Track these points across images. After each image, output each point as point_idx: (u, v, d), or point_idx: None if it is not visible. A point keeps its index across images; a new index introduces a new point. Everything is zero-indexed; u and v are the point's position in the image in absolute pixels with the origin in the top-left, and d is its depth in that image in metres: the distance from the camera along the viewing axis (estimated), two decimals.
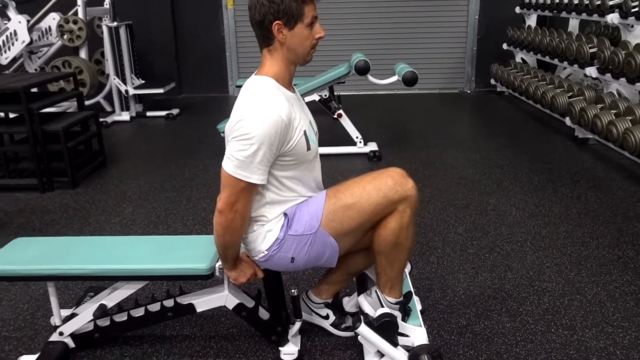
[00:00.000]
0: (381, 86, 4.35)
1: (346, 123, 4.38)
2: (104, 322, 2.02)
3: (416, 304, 2.23)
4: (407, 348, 1.81)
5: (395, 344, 1.78)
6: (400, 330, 1.84)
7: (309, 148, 1.70)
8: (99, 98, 6.27)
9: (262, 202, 1.72)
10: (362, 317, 1.78)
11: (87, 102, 6.28)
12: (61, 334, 2.01)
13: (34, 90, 4.24)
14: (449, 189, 3.67)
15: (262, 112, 1.56)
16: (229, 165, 1.59)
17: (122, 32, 5.82)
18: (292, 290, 1.95)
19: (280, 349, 2.01)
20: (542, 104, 5.30)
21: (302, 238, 1.72)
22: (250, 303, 1.99)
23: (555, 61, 5.38)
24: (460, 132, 5.17)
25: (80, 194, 3.75)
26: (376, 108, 6.41)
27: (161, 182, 3.93)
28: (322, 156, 4.45)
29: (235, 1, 6.92)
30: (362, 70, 4.02)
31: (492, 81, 6.88)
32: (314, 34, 1.68)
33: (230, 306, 1.96)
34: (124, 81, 5.88)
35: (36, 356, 1.96)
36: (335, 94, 5.83)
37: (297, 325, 2.02)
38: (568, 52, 4.98)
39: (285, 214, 1.74)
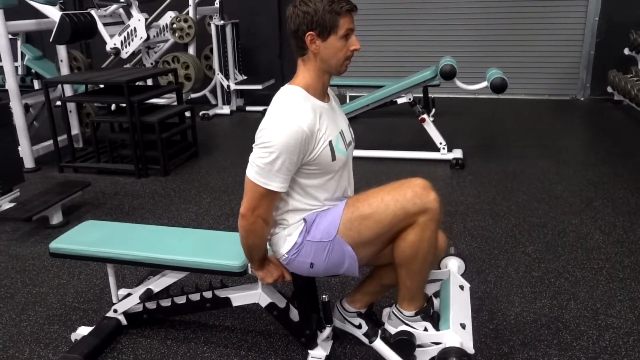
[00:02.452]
0: (474, 91, 4.18)
1: (430, 128, 4.28)
2: (151, 305, 2.18)
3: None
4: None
5: None
6: (432, 340, 1.78)
7: (334, 158, 1.71)
8: (206, 91, 6.69)
9: (286, 208, 1.76)
10: (380, 331, 1.76)
11: (194, 95, 6.75)
12: (115, 311, 2.22)
13: (142, 83, 4.64)
14: (528, 205, 3.45)
15: (283, 122, 1.60)
16: (251, 171, 1.65)
17: (229, 30, 6.15)
18: (323, 296, 1.97)
19: (309, 351, 2.04)
20: None
21: (319, 245, 1.74)
22: (282, 303, 2.04)
23: None
24: (559, 142, 4.81)
25: (169, 181, 4.05)
26: (475, 113, 6.17)
27: (244, 175, 4.12)
28: (403, 160, 4.42)
29: None
30: (448, 75, 3.90)
31: (609, 89, 6.31)
32: (349, 46, 1.68)
33: (263, 304, 2.03)
34: (227, 77, 6.22)
35: (92, 328, 2.17)
36: (431, 96, 5.72)
37: (327, 330, 2.04)
38: None
39: (305, 220, 1.76)
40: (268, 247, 1.85)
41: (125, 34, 5.96)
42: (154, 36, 6.40)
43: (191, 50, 6.06)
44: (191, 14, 5.91)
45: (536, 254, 2.83)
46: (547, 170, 4.08)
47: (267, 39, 7.27)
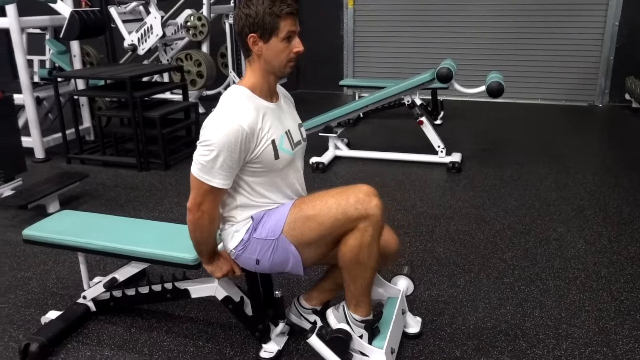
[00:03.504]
0: (472, 95, 4.15)
1: (428, 131, 4.27)
2: (118, 294, 2.27)
3: (414, 325, 2.18)
4: None
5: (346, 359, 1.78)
6: (361, 350, 1.82)
7: (277, 157, 1.75)
8: (221, 89, 6.81)
9: (234, 204, 1.82)
10: (315, 328, 1.79)
11: (209, 92, 6.88)
12: (84, 297, 2.32)
13: (158, 79, 4.76)
14: (517, 211, 3.42)
15: (224, 120, 1.65)
16: (194, 168, 1.71)
17: None
18: (276, 292, 2.03)
19: (263, 345, 2.09)
20: None
21: (265, 242, 1.78)
22: (237, 297, 2.10)
23: None
24: (566, 149, 4.73)
25: (168, 176, 4.17)
26: (485, 116, 6.10)
27: None
28: (400, 162, 4.41)
29: (356, 1, 7.02)
30: (444, 78, 3.88)
31: (627, 96, 6.15)
32: (292, 48, 1.72)
33: (219, 297, 2.09)
34: (240, 74, 6.32)
35: (61, 313, 2.28)
36: (440, 99, 5.70)
37: (280, 326, 2.10)
38: None
39: (252, 218, 1.81)
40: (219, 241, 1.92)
41: (142, 30, 6.12)
42: (172, 34, 6.56)
43: (205, 48, 6.18)
44: (205, 13, 6.03)
45: (512, 260, 2.81)
46: (545, 177, 4.02)
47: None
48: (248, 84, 1.76)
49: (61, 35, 4.44)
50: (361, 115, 5.78)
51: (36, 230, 2.23)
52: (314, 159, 4.27)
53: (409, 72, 6.78)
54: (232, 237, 1.83)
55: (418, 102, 5.51)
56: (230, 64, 6.30)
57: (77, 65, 4.90)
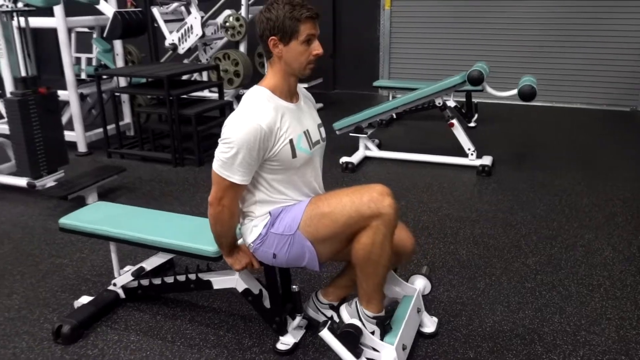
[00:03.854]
0: (505, 98, 4.12)
1: (458, 133, 4.25)
2: (145, 282, 2.38)
3: (429, 324, 2.21)
4: None
5: (357, 354, 1.82)
6: (373, 345, 1.87)
7: (294, 156, 1.81)
8: None
9: (253, 200, 1.89)
10: (329, 322, 1.85)
11: (245, 91, 7.01)
12: (114, 284, 2.44)
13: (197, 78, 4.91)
14: (545, 216, 3.38)
15: (243, 120, 1.73)
16: (215, 164, 1.79)
17: None
18: (294, 286, 2.09)
19: (280, 337, 2.16)
20: None
21: (282, 237, 1.85)
22: (256, 290, 2.17)
23: None
24: (602, 156, 4.62)
25: (202, 172, 4.30)
26: (522, 120, 6.01)
27: None
28: (430, 164, 4.40)
29: (393, 2, 7.02)
30: (475, 80, 3.87)
31: None
32: (311, 51, 1.78)
33: (240, 289, 2.17)
34: None
35: (92, 298, 2.41)
36: (475, 101, 5.65)
37: (297, 319, 2.16)
38: None
39: (270, 213, 1.88)
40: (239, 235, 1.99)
41: (182, 30, 6.30)
42: (212, 33, 6.72)
43: (242, 47, 6.31)
44: (243, 13, 6.16)
45: (536, 265, 2.79)
46: (578, 183, 3.95)
47: (321, 39, 7.37)
48: (269, 85, 1.83)
49: (104, 35, 4.64)
50: (394, 116, 5.81)
51: (71, 220, 2.37)
52: (343, 159, 4.32)
53: (444, 74, 6.74)
54: (251, 231, 1.91)
55: (452, 104, 5.50)
56: (266, 64, 6.41)
57: (120, 63, 5.09)
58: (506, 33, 6.62)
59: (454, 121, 4.24)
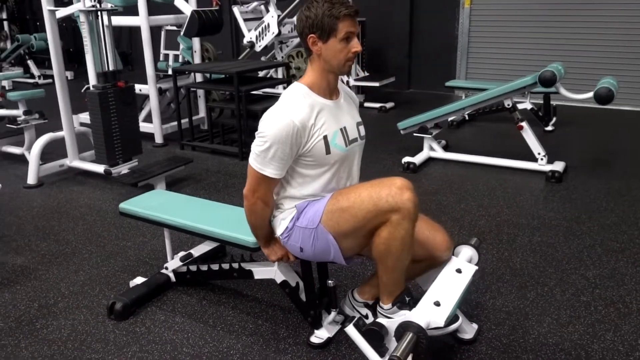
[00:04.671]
0: (580, 100, 3.89)
1: (528, 136, 4.07)
2: (193, 268, 2.50)
3: (468, 331, 2.16)
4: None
5: (382, 353, 1.81)
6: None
7: (328, 152, 1.83)
8: None
9: (284, 194, 1.94)
10: (355, 318, 1.85)
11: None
12: (166, 268, 2.59)
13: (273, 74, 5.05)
14: (615, 228, 3.16)
15: (278, 115, 1.77)
16: (251, 157, 1.85)
17: None
18: (329, 281, 2.12)
19: (315, 331, 2.20)
20: None
21: (305, 231, 1.88)
22: (293, 282, 2.22)
23: None
24: None
25: None
26: (603, 124, 5.64)
27: None
28: (497, 167, 4.20)
29: (473, 0, 6.82)
30: (547, 81, 3.68)
31: None
32: (350, 48, 1.79)
33: (278, 280, 2.23)
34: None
35: (145, 279, 2.56)
36: (553, 104, 5.38)
37: (332, 314, 2.18)
38: None
39: (296, 207, 1.91)
40: None
41: (260, 29, 6.49)
42: (289, 32, 6.87)
43: None
44: None
45: (595, 279, 2.63)
46: None
47: (397, 39, 7.36)
48: (307, 82, 1.87)
49: (182, 33, 4.89)
50: (466, 117, 5.65)
51: (129, 205, 2.54)
52: (406, 159, 4.27)
53: (523, 75, 6.49)
54: (279, 224, 1.96)
55: (528, 106, 5.26)
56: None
57: (197, 60, 5.34)
58: (590, 32, 6.22)
59: (524, 124, 4.06)
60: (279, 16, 6.36)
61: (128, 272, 2.76)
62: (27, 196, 3.90)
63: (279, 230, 1.97)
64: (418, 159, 4.30)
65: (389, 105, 6.44)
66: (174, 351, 2.15)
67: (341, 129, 1.89)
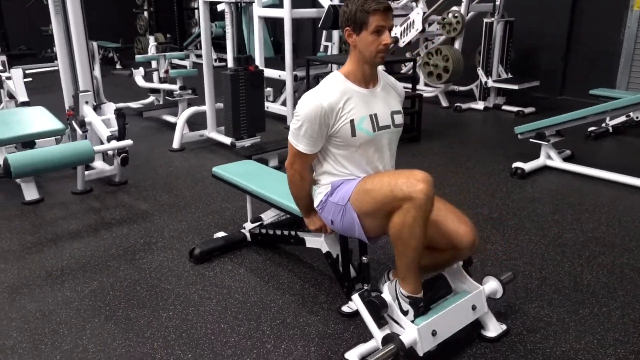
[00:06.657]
0: None
1: None
2: (263, 231, 2.85)
3: (492, 329, 2.19)
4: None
5: (381, 324, 1.96)
6: (399, 321, 1.98)
7: (353, 135, 2.01)
8: (473, 86, 6.88)
9: (321, 170, 2.16)
10: (362, 288, 2.02)
11: (462, 88, 7.02)
12: (244, 228, 2.98)
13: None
14: None
15: (311, 98, 2.00)
16: (289, 133, 2.10)
17: (499, 28, 6.19)
18: (364, 258, 2.29)
19: (349, 302, 2.40)
20: None
21: (336, 207, 2.08)
22: (335, 254, 2.44)
23: None
24: None
25: None
26: None
27: (446, 163, 4.40)
28: (618, 184, 4.01)
29: None
30: None
31: None
32: (381, 41, 1.95)
33: (323, 250, 2.47)
34: (488, 73, 6.30)
35: (225, 235, 2.98)
36: None
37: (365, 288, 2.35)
38: None
39: (331, 184, 2.12)
40: None
41: (405, 25, 6.64)
42: (437, 29, 6.91)
43: (457, 44, 6.35)
44: (462, 10, 6.19)
45: (629, 299, 2.40)
46: None
47: (552, 40, 6.93)
48: (344, 71, 2.06)
49: (319, 25, 5.27)
50: (610, 129, 5.21)
51: (220, 169, 2.97)
52: (516, 164, 4.14)
53: None
54: (317, 197, 2.19)
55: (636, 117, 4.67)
56: (480, 62, 6.33)
57: (335, 51, 5.70)
58: None
59: None
60: (424, 13, 6.44)
61: (219, 228, 3.21)
62: (169, 157, 4.63)
63: (315, 202, 2.21)
64: (529, 165, 4.14)
65: (528, 110, 6.15)
66: (227, 294, 2.52)
67: (370, 115, 2.05)
